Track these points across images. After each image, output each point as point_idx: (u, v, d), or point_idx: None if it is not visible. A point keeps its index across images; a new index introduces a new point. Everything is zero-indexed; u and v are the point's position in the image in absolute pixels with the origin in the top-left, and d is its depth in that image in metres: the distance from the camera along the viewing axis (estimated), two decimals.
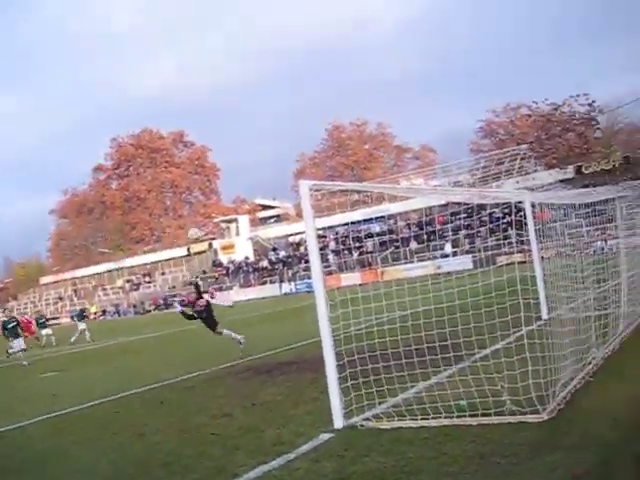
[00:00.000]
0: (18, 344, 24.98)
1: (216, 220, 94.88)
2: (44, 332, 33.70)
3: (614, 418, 6.42)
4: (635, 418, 6.37)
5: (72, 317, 45.55)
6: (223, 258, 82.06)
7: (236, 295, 67.45)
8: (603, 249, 13.38)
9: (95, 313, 77.45)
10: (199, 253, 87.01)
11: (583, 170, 58.93)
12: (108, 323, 61.37)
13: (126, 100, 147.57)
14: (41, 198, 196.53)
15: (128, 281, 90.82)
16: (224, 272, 78.20)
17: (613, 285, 12.01)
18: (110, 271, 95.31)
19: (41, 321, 34.91)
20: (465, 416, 7.03)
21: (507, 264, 10.37)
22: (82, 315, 36.28)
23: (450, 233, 44.27)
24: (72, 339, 32.58)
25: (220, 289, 73.11)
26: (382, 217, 63.19)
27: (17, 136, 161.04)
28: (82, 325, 34.19)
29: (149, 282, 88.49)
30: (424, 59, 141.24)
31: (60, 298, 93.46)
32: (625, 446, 5.61)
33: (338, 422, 7.52)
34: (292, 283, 65.32)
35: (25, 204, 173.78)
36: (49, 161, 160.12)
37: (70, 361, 22.96)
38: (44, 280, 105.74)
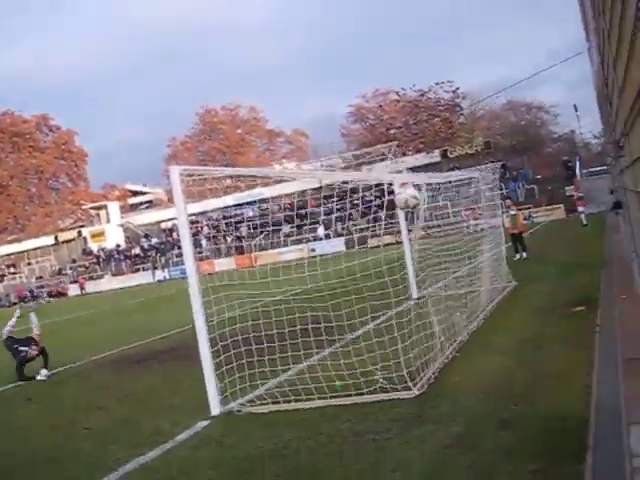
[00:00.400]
0: None
1: (85, 207, 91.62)
2: None
3: (478, 390, 6.76)
4: (498, 388, 6.71)
5: None
6: (93, 246, 79.44)
7: (108, 284, 65.66)
8: (472, 228, 13.97)
9: None
10: (68, 241, 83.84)
11: (448, 154, 61.30)
12: None
13: None
14: None
15: None
16: (95, 261, 75.76)
17: (479, 263, 12.59)
18: None
19: None
20: (339, 396, 7.17)
21: (378, 246, 10.65)
22: None
23: (323, 216, 44.84)
24: None
25: (91, 278, 70.89)
26: (255, 202, 63.16)
27: None
28: None
29: (14, 273, 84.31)
30: (296, 44, 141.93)
31: None
32: (489, 415, 5.90)
33: (215, 409, 7.48)
34: (166, 270, 64.17)
35: None
36: None
37: None
38: None
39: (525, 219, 45.26)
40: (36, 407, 9.92)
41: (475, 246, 12.82)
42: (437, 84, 74.36)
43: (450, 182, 13.39)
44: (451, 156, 60.50)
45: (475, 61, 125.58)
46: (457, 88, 74.49)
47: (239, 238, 59.25)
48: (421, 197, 9.07)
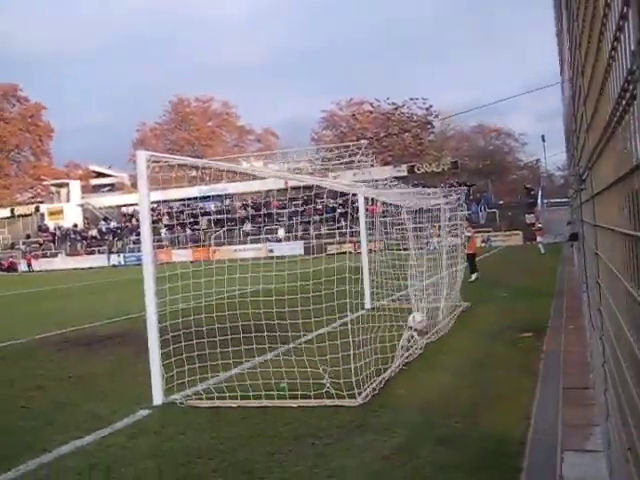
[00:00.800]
0: None
1: (46, 183, 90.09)
2: None
3: (421, 405, 6.83)
4: (440, 405, 6.80)
5: None
6: (50, 224, 78.14)
7: (62, 263, 64.65)
8: (432, 245, 14.11)
9: None
10: (24, 216, 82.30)
11: (416, 170, 61.82)
12: None
13: None
14: None
15: None
16: (50, 238, 74.51)
17: (436, 280, 12.71)
18: None
19: None
20: (285, 397, 7.18)
21: (337, 253, 10.68)
22: None
23: (285, 218, 44.80)
24: None
25: (45, 256, 69.72)
26: (219, 196, 62.86)
27: None
28: None
29: None
30: (276, 45, 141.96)
31: None
32: (429, 429, 5.97)
33: (157, 398, 7.43)
34: (121, 255, 63.44)
35: None
36: None
37: None
38: None
39: (484, 242, 46.07)
40: None
41: (433, 263, 12.95)
42: (411, 99, 75.12)
43: (413, 198, 13.51)
44: (418, 172, 61.01)
45: (452, 82, 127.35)
46: (430, 106, 75.34)
47: (198, 231, 58.86)
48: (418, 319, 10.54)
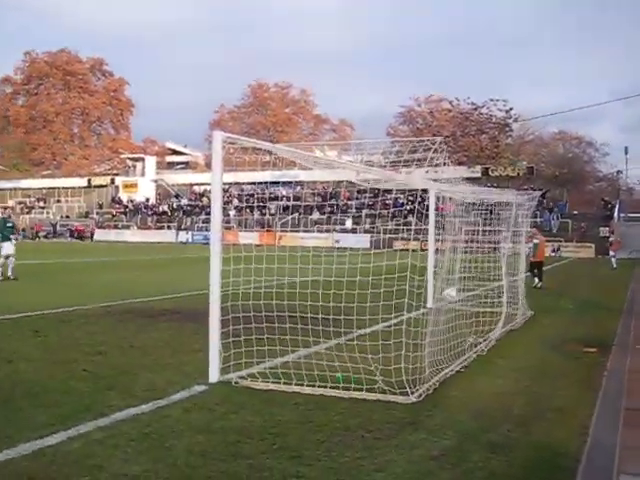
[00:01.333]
0: None
1: (123, 156, 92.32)
2: None
3: (474, 409, 6.75)
4: (494, 411, 6.70)
5: None
6: (123, 196, 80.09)
7: (132, 236, 66.18)
8: (496, 250, 13.87)
9: None
10: (100, 187, 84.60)
11: (490, 172, 60.87)
12: None
13: (49, 17, 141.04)
14: None
15: (20, 203, 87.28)
16: (122, 210, 76.39)
17: (498, 286, 12.51)
18: (3, 190, 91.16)
19: None
20: (338, 388, 7.20)
21: (402, 249, 10.61)
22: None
23: (354, 210, 44.76)
24: None
25: (116, 227, 71.54)
26: (290, 182, 63.20)
27: None
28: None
29: (43, 207, 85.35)
30: (359, 36, 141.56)
31: None
32: (481, 434, 5.90)
33: (214, 376, 7.54)
34: (189, 232, 64.56)
35: None
36: None
37: None
38: None
39: (553, 251, 45.11)
40: (42, 340, 10.07)
41: (498, 268, 12.74)
42: (491, 100, 73.48)
43: (485, 200, 13.30)
44: (492, 175, 60.10)
45: (534, 86, 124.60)
46: (511, 108, 73.62)
47: (267, 215, 59.38)
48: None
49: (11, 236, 20.74)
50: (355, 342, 8.36)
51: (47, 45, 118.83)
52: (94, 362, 8.55)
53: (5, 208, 45.23)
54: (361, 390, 7.06)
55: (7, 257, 19.53)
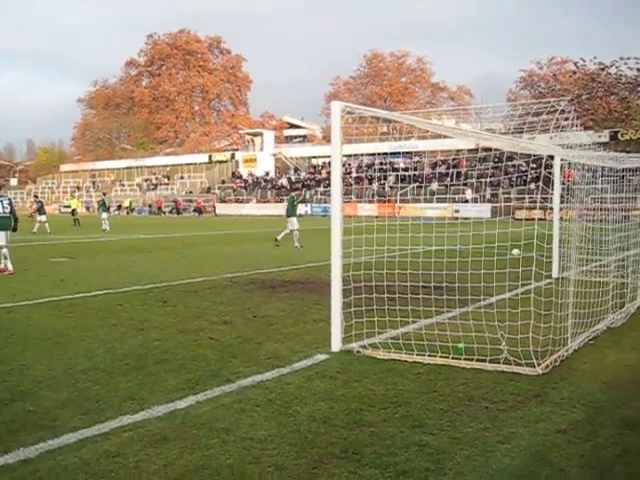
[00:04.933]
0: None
1: (242, 132, 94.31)
2: (39, 218, 35.36)
3: (605, 382, 6.47)
4: (626, 384, 6.40)
5: (88, 207, 46.99)
6: (243, 171, 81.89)
7: (252, 209, 67.69)
8: (627, 218, 13.17)
9: (127, 208, 78.02)
10: (221, 162, 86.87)
11: (619, 136, 57.75)
12: (125, 218, 61.92)
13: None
14: (71, 86, 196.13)
15: (146, 180, 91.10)
16: (242, 185, 78.17)
17: (633, 255, 11.89)
18: (130, 168, 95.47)
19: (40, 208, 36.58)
20: (460, 359, 7.10)
21: (526, 219, 10.25)
22: (105, 206, 37.76)
23: (474, 180, 43.73)
24: (104, 227, 35.69)
25: (237, 201, 73.31)
26: (409, 152, 62.46)
27: (54, 21, 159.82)
28: (104, 215, 37.13)
29: (167, 184, 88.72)
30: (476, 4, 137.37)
31: (78, 187, 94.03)
32: (613, 409, 5.65)
33: (336, 345, 7.62)
34: (308, 205, 65.30)
35: (54, 90, 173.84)
36: (83, 50, 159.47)
37: (81, 250, 23.29)
38: (64, 168, 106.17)
39: None
40: (170, 310, 10.50)
41: (630, 238, 12.10)
42: (621, 59, 69.26)
43: (614, 169, 12.63)
44: (622, 139, 57.00)
45: None
46: None
47: (386, 186, 59.10)
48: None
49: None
50: (482, 310, 8.20)
51: (168, 27, 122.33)
52: (220, 331, 8.83)
53: (35, 196, 47.89)
54: (485, 361, 6.93)
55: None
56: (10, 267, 15.71)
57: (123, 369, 6.96)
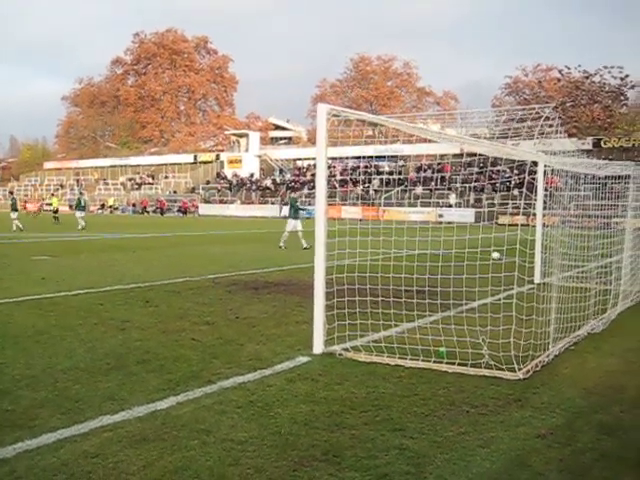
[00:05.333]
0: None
1: (227, 132, 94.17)
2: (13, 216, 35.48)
3: (585, 388, 6.51)
4: (605, 390, 6.45)
5: (70, 206, 46.90)
6: (228, 172, 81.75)
7: (236, 210, 67.59)
8: (609, 225, 13.27)
9: (111, 207, 77.68)
10: (205, 163, 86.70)
11: (602, 144, 58.24)
12: (108, 217, 61.60)
13: None
14: (55, 83, 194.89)
15: (130, 179, 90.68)
16: (227, 185, 78.04)
17: (615, 262, 11.98)
18: (114, 166, 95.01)
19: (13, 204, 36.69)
20: (442, 362, 7.12)
21: (509, 225, 10.31)
22: (80, 205, 37.50)
23: (458, 184, 43.95)
24: (80, 226, 35.59)
25: (221, 201, 73.15)
26: (394, 156, 62.62)
27: (39, 17, 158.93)
28: (79, 214, 36.88)
29: (151, 183, 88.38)
30: (462, 5, 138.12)
31: (61, 185, 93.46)
32: (592, 414, 5.69)
33: (318, 347, 7.61)
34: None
35: (38, 87, 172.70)
36: (68, 46, 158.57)
37: (63, 248, 23.12)
38: (47, 165, 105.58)
39: None
40: (152, 310, 10.44)
41: (612, 245, 12.19)
42: (605, 68, 69.85)
43: (596, 176, 12.73)
44: (604, 146, 57.48)
45: None
46: (627, 75, 69.80)
47: (371, 189, 59.21)
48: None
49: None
50: (464, 315, 8.22)
51: (154, 26, 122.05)
52: (202, 332, 8.80)
53: (11, 192, 48.79)
54: (466, 365, 6.95)
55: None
56: None
57: (104, 369, 6.91)
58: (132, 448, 4.74)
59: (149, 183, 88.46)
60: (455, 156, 42.45)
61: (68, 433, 5.03)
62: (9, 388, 6.18)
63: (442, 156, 53.85)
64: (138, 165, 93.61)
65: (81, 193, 44.12)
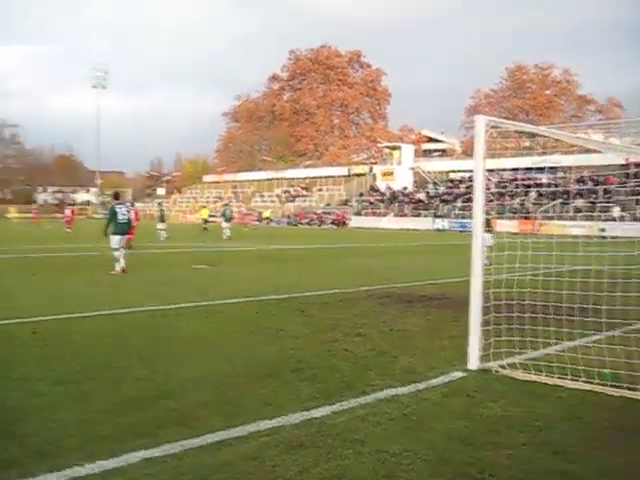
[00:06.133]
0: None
1: (380, 145, 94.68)
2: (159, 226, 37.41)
3: None
4: None
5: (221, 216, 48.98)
6: (381, 184, 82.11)
7: (388, 223, 67.76)
8: None
9: (267, 218, 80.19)
10: (359, 175, 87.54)
11: None
12: (264, 229, 63.68)
13: (312, 15, 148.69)
14: (215, 101, 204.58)
15: (285, 192, 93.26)
16: (380, 198, 78.38)
17: None
18: (270, 179, 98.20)
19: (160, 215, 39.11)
20: (606, 385, 6.73)
21: None
22: (226, 216, 40.58)
23: (623, 197, 41.58)
24: (226, 236, 37.96)
25: (374, 214, 73.59)
26: (553, 168, 60.28)
27: (200, 40, 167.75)
28: (226, 224, 39.78)
29: (305, 196, 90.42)
30: (631, 6, 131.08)
31: (220, 198, 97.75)
32: None
33: (473, 363, 7.44)
34: (446, 220, 64.52)
35: (200, 105, 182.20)
36: (227, 66, 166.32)
37: (220, 258, 24.15)
38: (207, 178, 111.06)
39: None
40: (306, 320, 10.64)
41: None
42: None
43: None
44: None
45: None
46: None
47: (527, 202, 57.38)
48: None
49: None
50: (632, 335, 7.74)
51: (309, 43, 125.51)
52: (354, 342, 8.85)
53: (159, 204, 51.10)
54: (635, 390, 6.52)
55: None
56: (117, 268, 17.25)
57: (259, 375, 7.12)
58: (288, 453, 4.84)
59: (303, 195, 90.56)
60: (620, 167, 40.21)
61: (227, 435, 5.22)
62: (175, 389, 6.52)
63: (605, 167, 51.21)
64: (293, 178, 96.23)
65: (227, 205, 46.13)
